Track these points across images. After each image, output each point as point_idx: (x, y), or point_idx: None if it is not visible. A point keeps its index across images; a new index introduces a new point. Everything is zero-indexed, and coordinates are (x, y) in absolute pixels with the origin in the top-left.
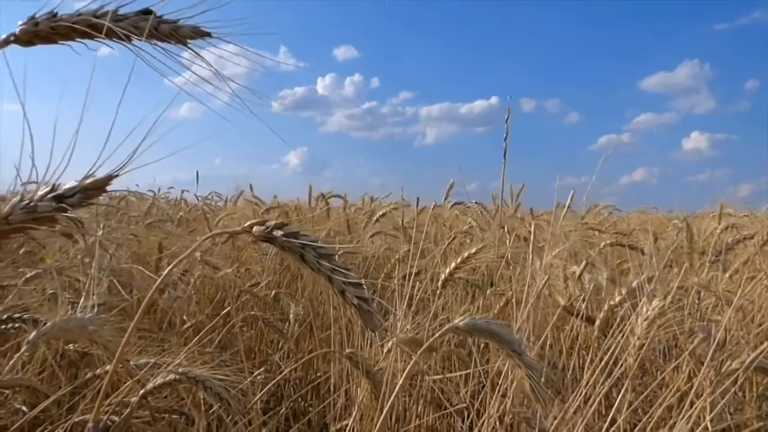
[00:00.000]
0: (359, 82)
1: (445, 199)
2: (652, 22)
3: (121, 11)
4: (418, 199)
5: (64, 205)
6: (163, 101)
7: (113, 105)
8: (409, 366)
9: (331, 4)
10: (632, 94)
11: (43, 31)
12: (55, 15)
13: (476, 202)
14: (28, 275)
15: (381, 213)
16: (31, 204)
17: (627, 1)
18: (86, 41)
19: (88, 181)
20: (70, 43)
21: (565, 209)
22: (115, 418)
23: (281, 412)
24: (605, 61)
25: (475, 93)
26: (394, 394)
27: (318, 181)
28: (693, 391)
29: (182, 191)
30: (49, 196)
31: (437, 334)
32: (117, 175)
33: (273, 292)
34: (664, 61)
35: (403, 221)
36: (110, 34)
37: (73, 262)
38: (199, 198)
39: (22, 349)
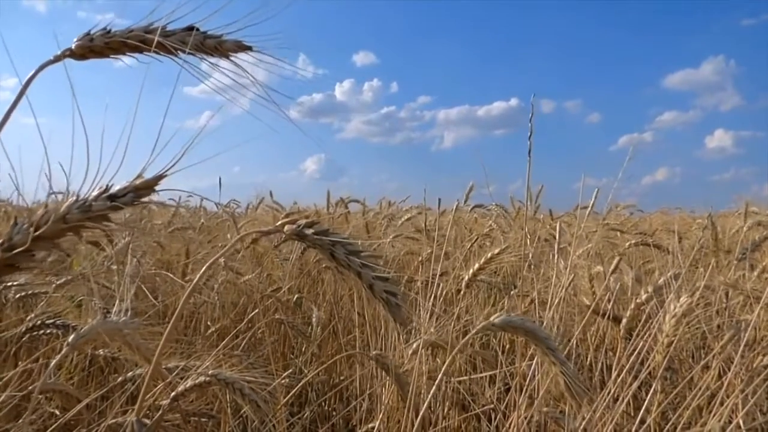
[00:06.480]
0: (378, 88)
1: (465, 201)
2: (676, 18)
3: (169, 28)
4: (440, 200)
5: (117, 203)
6: (182, 110)
7: (133, 115)
8: (445, 366)
9: (351, 11)
10: (655, 92)
11: (97, 47)
12: (109, 31)
13: (497, 205)
14: (58, 282)
15: (406, 218)
16: (87, 204)
17: None
18: (136, 55)
19: (138, 181)
20: (120, 56)
21: (589, 210)
22: (147, 421)
23: (306, 415)
24: (628, 60)
25: (493, 95)
26: (434, 395)
27: (336, 187)
28: (723, 390)
29: (202, 199)
30: (104, 196)
31: (474, 330)
32: (165, 175)
33: (295, 297)
34: (689, 58)
35: (426, 224)
36: (160, 48)
37: (101, 269)
38: (219, 206)
39: (63, 351)
